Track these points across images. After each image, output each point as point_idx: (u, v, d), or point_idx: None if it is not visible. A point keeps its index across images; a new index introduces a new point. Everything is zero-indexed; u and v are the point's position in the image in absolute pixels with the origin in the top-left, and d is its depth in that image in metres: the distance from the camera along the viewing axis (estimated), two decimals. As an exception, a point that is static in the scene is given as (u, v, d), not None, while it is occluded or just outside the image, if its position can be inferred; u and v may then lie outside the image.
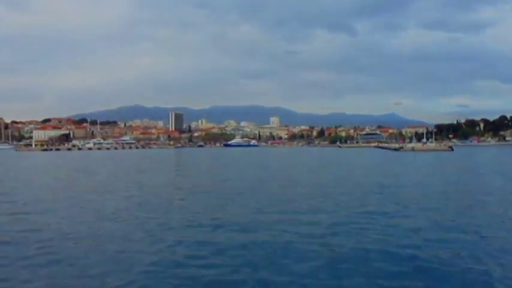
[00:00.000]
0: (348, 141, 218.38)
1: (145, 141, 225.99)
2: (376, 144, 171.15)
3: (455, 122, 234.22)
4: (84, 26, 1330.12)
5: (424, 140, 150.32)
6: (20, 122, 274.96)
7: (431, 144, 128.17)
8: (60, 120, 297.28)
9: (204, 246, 11.21)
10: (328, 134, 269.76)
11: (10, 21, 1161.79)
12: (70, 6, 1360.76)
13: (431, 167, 46.54)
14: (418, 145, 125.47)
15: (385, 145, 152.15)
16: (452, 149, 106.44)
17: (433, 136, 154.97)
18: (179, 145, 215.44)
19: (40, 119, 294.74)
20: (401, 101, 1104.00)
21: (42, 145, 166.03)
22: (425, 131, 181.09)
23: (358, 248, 10.87)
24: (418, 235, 12.19)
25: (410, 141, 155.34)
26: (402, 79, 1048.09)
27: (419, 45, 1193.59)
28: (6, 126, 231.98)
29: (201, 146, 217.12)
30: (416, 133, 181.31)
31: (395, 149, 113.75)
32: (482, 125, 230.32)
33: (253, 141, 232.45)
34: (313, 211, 16.41)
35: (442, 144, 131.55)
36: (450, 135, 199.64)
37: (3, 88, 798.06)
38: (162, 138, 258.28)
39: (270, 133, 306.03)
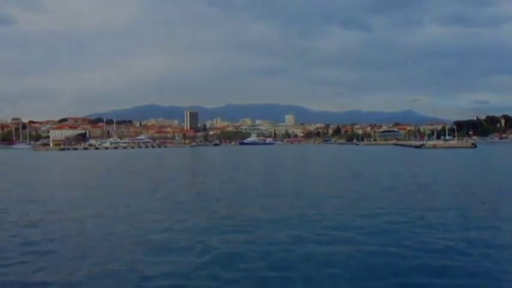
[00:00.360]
0: (365, 139, 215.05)
1: (160, 140, 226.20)
2: (394, 141, 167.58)
3: (474, 119, 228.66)
4: (99, 25, 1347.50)
5: (446, 137, 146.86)
6: (37, 122, 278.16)
7: (453, 142, 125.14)
8: (76, 120, 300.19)
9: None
10: (344, 132, 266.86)
11: (24, 22, 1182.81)
12: (84, 6, 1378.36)
13: (473, 165, 44.05)
14: (440, 142, 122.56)
15: (405, 143, 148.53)
16: (476, 146, 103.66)
17: (455, 133, 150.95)
18: (195, 144, 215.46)
19: (57, 119, 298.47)
20: (418, 98, 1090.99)
21: (59, 145, 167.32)
22: (447, 128, 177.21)
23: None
24: None
25: (429, 139, 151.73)
26: (418, 76, 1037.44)
27: (436, 41, 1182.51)
28: (24, 126, 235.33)
29: (216, 144, 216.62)
30: (436, 130, 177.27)
31: (416, 147, 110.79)
32: (503, 121, 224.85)
33: (268, 140, 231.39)
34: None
35: (464, 141, 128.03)
36: (470, 132, 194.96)
37: (20, 88, 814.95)
38: (177, 137, 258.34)
39: (286, 131, 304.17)
